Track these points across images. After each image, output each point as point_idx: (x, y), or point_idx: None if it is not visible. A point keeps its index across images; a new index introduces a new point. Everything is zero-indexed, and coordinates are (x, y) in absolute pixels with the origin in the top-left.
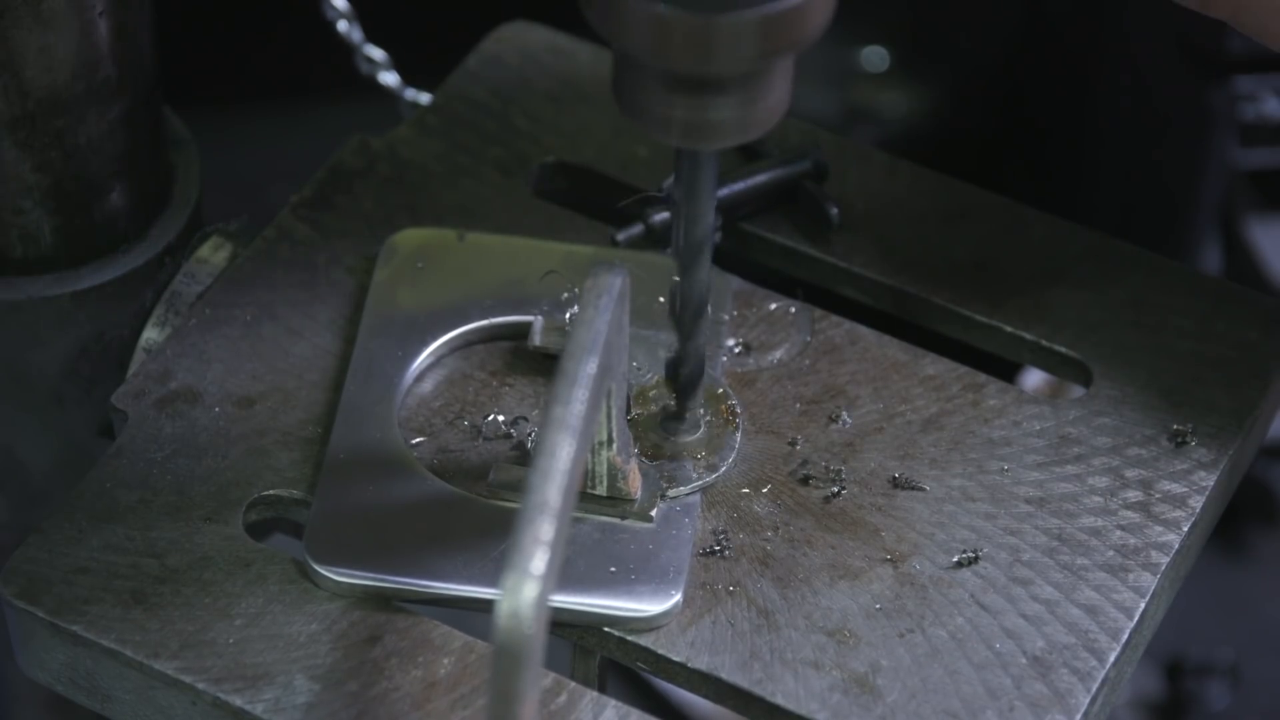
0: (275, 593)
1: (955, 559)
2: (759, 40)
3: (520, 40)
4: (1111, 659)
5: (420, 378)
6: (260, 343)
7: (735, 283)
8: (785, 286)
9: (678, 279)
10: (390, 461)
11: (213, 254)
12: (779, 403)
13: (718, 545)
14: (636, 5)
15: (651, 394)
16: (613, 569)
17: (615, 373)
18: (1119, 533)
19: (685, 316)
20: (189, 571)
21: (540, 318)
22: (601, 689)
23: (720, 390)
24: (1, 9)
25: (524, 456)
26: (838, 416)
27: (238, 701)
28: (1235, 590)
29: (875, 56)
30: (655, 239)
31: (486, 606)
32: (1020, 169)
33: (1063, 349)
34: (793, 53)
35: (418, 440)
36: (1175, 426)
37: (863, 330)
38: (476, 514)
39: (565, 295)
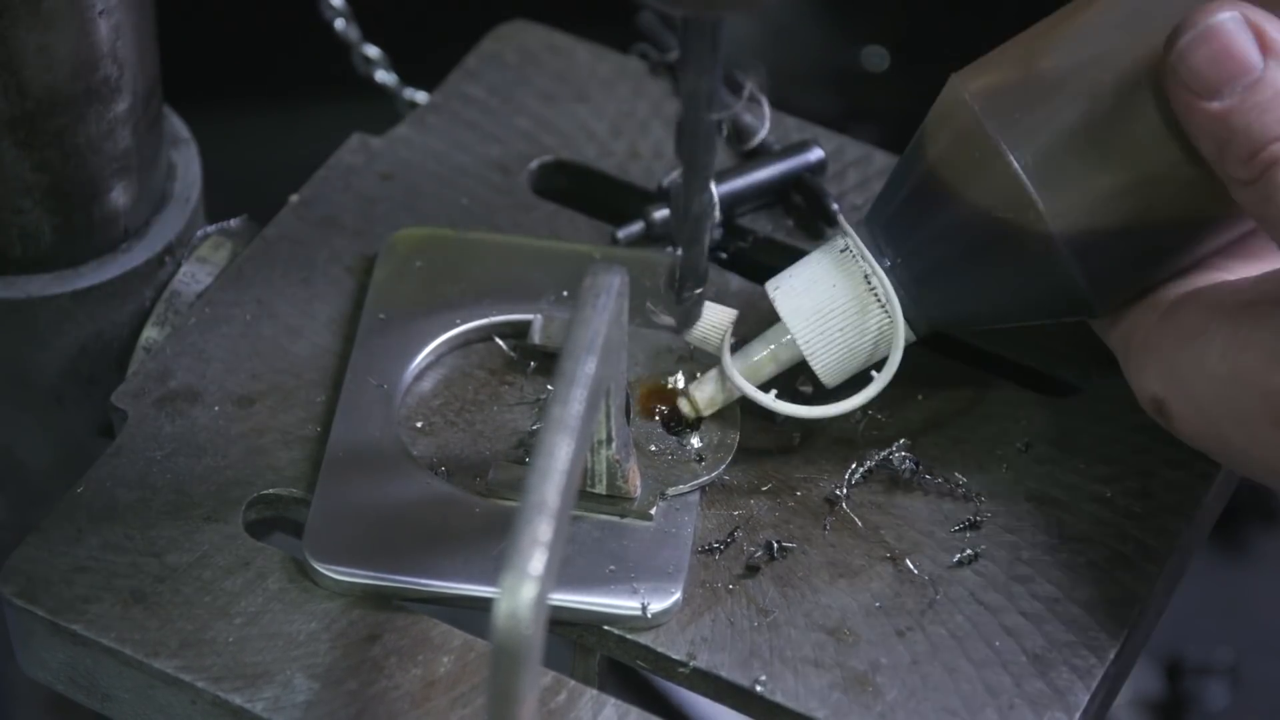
0: (275, 591)
1: (955, 557)
2: None
3: (519, 39)
4: (1111, 657)
5: (420, 376)
6: (260, 341)
7: (735, 282)
8: None
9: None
10: (390, 460)
11: (213, 253)
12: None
13: (717, 543)
14: None
15: (651, 392)
16: (612, 567)
17: (614, 372)
18: (1119, 530)
19: (690, 217)
20: (189, 570)
21: (540, 316)
22: (601, 687)
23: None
24: (1, 9)
25: (525, 455)
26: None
27: (237, 700)
28: (1235, 590)
29: (875, 56)
30: (655, 237)
31: (486, 605)
32: None
33: (1062, 347)
34: None
35: (417, 436)
36: None
37: None
38: (476, 513)
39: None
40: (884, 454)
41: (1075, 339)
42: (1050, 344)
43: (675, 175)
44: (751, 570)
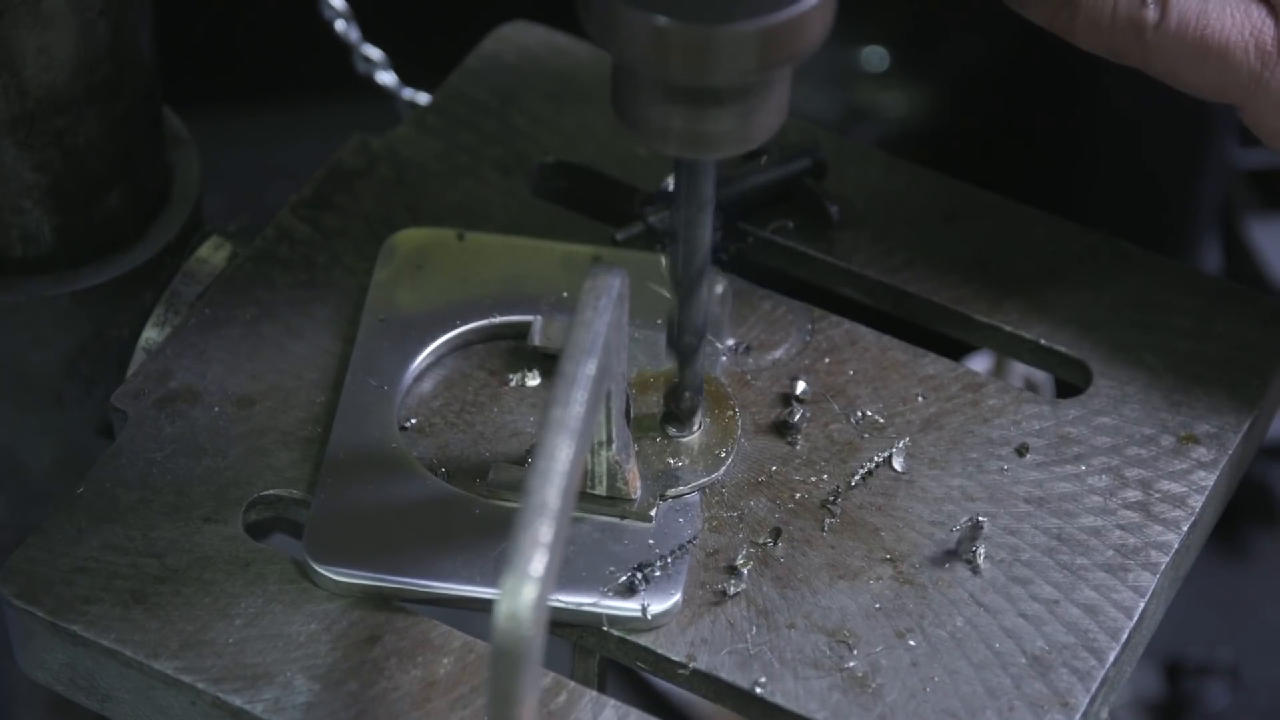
0: (275, 592)
1: (955, 560)
2: (758, 52)
3: (520, 40)
4: (1111, 658)
5: (420, 377)
6: (260, 343)
7: (736, 283)
8: (785, 286)
9: (676, 303)
10: (390, 461)
11: (212, 254)
12: (778, 402)
13: (717, 545)
14: (636, 16)
15: (652, 392)
16: (612, 569)
17: (614, 373)
18: (1118, 532)
19: (684, 343)
20: (189, 571)
21: (540, 317)
22: (601, 689)
23: (720, 390)
24: (1, 9)
25: (524, 456)
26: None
27: (237, 701)
28: (1235, 590)
29: (875, 56)
30: (655, 238)
31: (486, 606)
32: (1020, 168)
33: (1063, 349)
34: (792, 64)
35: (418, 437)
36: (1174, 426)
37: (863, 330)
38: (476, 514)
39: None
40: (884, 455)
41: (1075, 339)
42: (1050, 344)
43: (671, 180)
44: (751, 572)
